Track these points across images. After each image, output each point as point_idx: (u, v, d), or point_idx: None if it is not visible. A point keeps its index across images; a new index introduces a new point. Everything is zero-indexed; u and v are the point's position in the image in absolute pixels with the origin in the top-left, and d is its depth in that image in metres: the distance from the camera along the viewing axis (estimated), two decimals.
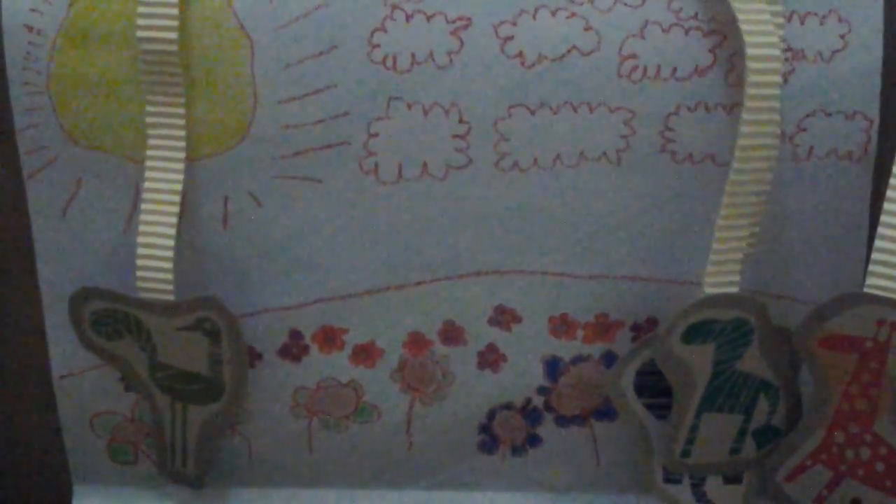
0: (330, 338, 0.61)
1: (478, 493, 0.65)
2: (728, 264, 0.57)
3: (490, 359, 0.62)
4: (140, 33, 0.55)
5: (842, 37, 0.55)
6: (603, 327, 0.61)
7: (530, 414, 0.63)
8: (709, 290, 0.57)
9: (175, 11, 0.55)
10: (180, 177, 0.57)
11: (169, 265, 0.57)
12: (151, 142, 0.57)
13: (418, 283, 0.60)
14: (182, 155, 0.57)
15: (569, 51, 0.56)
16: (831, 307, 0.56)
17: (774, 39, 0.54)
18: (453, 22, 0.56)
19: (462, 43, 0.56)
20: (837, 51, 0.55)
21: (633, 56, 0.56)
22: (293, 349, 0.62)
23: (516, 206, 0.58)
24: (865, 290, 0.55)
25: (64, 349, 0.62)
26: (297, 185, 0.58)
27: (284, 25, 0.56)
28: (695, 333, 0.58)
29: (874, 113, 0.56)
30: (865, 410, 0.58)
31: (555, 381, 0.62)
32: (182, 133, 0.57)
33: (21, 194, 0.59)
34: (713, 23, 0.55)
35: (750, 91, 0.54)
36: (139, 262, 0.57)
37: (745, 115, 0.54)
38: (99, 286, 0.59)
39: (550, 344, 0.61)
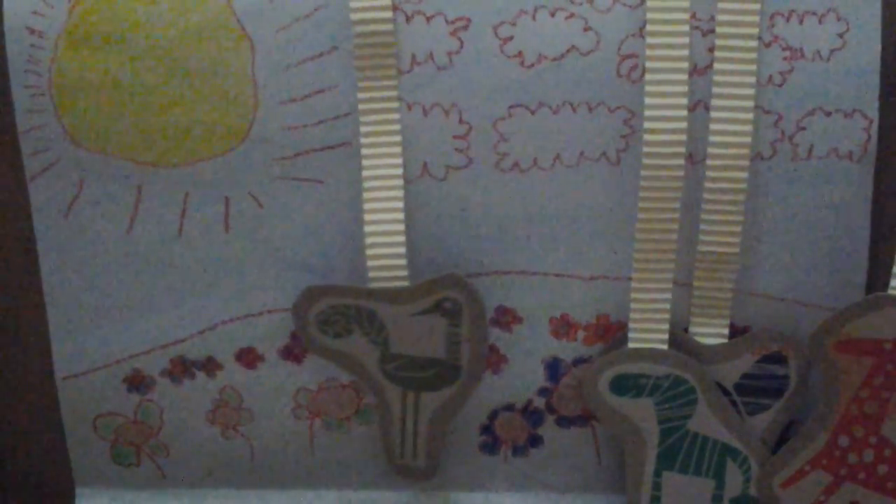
0: None
1: (479, 493, 0.65)
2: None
3: (491, 360, 0.62)
4: (354, 16, 0.55)
5: (840, 36, 0.55)
6: (603, 328, 0.61)
7: (531, 415, 0.63)
8: (631, 345, 0.59)
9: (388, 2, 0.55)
10: (400, 160, 0.57)
11: (402, 250, 0.57)
12: (366, 129, 0.57)
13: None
14: (399, 139, 0.57)
15: (568, 51, 0.56)
16: (853, 311, 0.56)
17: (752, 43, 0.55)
18: (453, 22, 0.56)
19: (462, 43, 0.56)
20: (836, 49, 0.56)
21: (633, 56, 0.56)
22: (295, 350, 0.62)
23: (516, 206, 0.58)
24: (891, 291, 0.55)
25: (67, 350, 0.62)
26: (298, 185, 0.58)
27: (285, 27, 0.56)
28: (624, 386, 0.59)
29: (873, 111, 0.56)
30: (874, 413, 0.58)
31: (556, 382, 0.62)
32: (397, 116, 0.57)
33: (24, 196, 0.59)
34: (712, 23, 0.55)
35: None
36: (370, 252, 0.57)
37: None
38: (323, 284, 0.59)
39: (551, 345, 0.61)
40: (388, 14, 0.55)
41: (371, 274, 0.58)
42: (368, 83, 0.56)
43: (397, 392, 0.61)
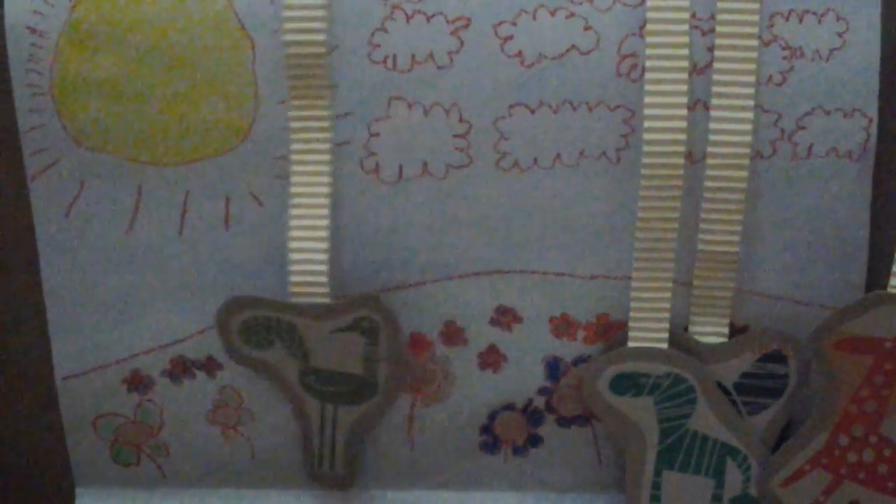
0: None
1: (479, 493, 0.65)
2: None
3: (491, 359, 0.62)
4: (288, 37, 0.56)
5: (840, 35, 0.56)
6: (603, 327, 0.61)
7: (531, 414, 0.63)
8: (631, 344, 0.59)
9: (323, 13, 0.55)
10: (328, 179, 0.57)
11: (324, 268, 0.58)
12: (296, 146, 0.57)
13: (418, 283, 0.60)
14: (329, 157, 0.57)
15: (568, 50, 0.56)
16: (853, 310, 0.56)
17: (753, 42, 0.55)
18: (453, 22, 0.56)
19: (462, 43, 0.56)
20: (836, 49, 0.56)
21: (633, 55, 0.56)
22: None
23: (516, 206, 0.58)
24: (889, 290, 0.55)
25: (67, 350, 0.62)
26: None
27: None
28: (623, 385, 0.59)
29: (873, 111, 0.56)
30: (874, 412, 0.58)
31: (556, 382, 0.62)
32: (328, 135, 0.57)
33: (25, 195, 0.59)
34: (712, 22, 0.55)
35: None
36: (293, 268, 0.58)
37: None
38: (244, 295, 0.59)
39: (551, 344, 0.61)
40: (321, 37, 0.56)
41: (292, 289, 0.58)
42: (300, 102, 0.57)
43: (316, 404, 0.61)
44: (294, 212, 0.58)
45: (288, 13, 0.56)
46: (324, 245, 0.58)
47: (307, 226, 0.58)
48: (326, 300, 0.58)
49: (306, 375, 0.60)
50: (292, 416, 0.63)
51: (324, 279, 0.58)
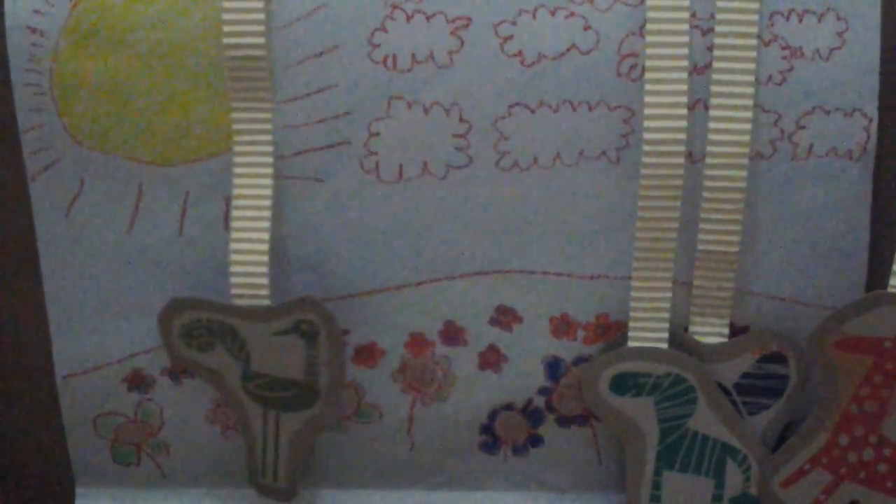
0: None
1: (479, 493, 0.65)
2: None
3: (491, 359, 0.62)
4: (228, 40, 0.56)
5: (840, 35, 0.56)
6: (603, 327, 0.61)
7: (531, 414, 0.63)
8: (631, 344, 0.59)
9: (261, 17, 0.55)
10: (269, 181, 0.57)
11: (264, 270, 0.57)
12: (239, 148, 0.57)
13: (418, 283, 0.60)
14: (270, 160, 0.57)
15: (568, 50, 0.56)
16: (852, 309, 0.56)
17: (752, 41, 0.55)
18: (453, 21, 0.56)
19: (462, 42, 0.56)
20: (836, 49, 0.56)
21: (633, 55, 0.56)
22: None
23: (516, 206, 0.58)
24: (890, 290, 0.55)
25: (67, 350, 0.62)
26: (299, 184, 0.58)
27: (285, 26, 0.56)
28: (624, 385, 0.59)
29: (873, 110, 0.56)
30: (874, 412, 0.58)
31: (556, 382, 0.62)
32: (269, 137, 0.57)
33: (25, 194, 0.59)
34: (711, 21, 0.55)
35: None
36: (233, 269, 0.58)
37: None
38: (188, 297, 0.59)
39: (551, 344, 0.61)
40: (261, 41, 0.56)
41: (233, 291, 0.58)
42: (241, 104, 0.57)
43: (258, 410, 0.61)
44: (235, 213, 0.58)
45: (227, 16, 0.55)
46: (264, 247, 0.57)
47: (248, 227, 0.57)
48: (266, 302, 0.58)
49: (248, 380, 0.60)
50: (241, 422, 0.62)
51: (264, 281, 0.58)
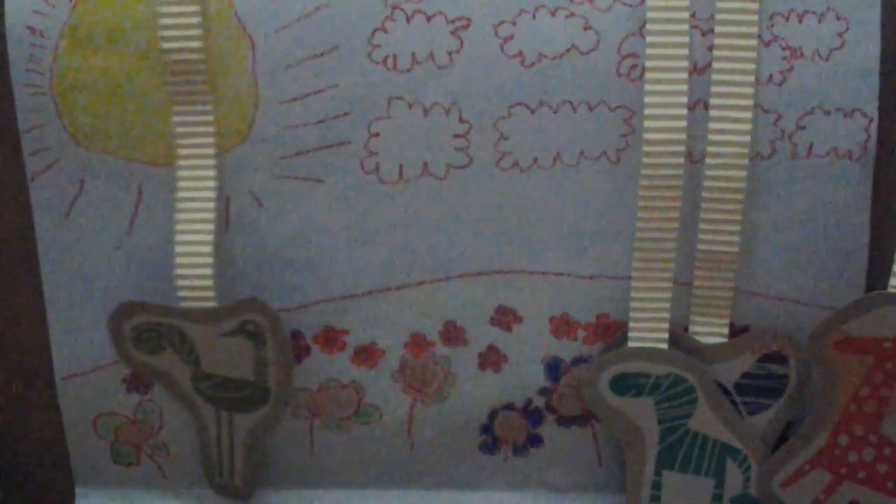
0: (331, 339, 0.61)
1: (479, 493, 0.65)
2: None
3: (491, 359, 0.62)
4: (165, 44, 0.56)
5: (840, 35, 0.55)
6: (603, 328, 0.61)
7: (531, 414, 0.63)
8: (631, 344, 0.59)
9: (197, 20, 0.55)
10: (213, 183, 0.57)
11: (209, 272, 0.57)
12: (182, 151, 0.57)
13: (419, 283, 0.60)
14: (213, 162, 0.57)
15: (568, 50, 0.56)
16: (852, 309, 0.56)
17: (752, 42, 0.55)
18: (453, 22, 0.56)
19: (462, 43, 0.56)
20: (836, 49, 0.56)
21: (633, 55, 0.56)
22: (294, 350, 0.62)
23: (516, 206, 0.58)
24: (890, 290, 0.55)
25: (67, 350, 0.62)
26: (299, 185, 0.58)
27: (285, 26, 0.56)
28: (624, 385, 0.59)
29: (873, 111, 0.56)
30: (874, 412, 0.58)
31: (556, 382, 0.62)
32: (212, 140, 0.57)
33: (25, 195, 0.60)
34: (711, 22, 0.55)
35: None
36: (179, 272, 0.58)
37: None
38: (136, 299, 0.59)
39: (551, 344, 0.61)
40: (197, 44, 0.56)
41: (179, 293, 0.58)
42: (182, 107, 0.57)
43: (211, 411, 0.61)
44: (179, 216, 0.58)
45: (163, 21, 0.55)
46: (209, 249, 0.57)
47: (192, 230, 0.57)
48: (213, 304, 0.58)
49: (199, 381, 0.60)
50: (195, 423, 0.63)
51: (210, 283, 0.58)
